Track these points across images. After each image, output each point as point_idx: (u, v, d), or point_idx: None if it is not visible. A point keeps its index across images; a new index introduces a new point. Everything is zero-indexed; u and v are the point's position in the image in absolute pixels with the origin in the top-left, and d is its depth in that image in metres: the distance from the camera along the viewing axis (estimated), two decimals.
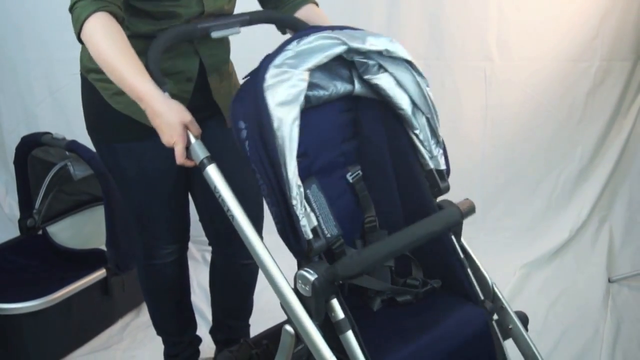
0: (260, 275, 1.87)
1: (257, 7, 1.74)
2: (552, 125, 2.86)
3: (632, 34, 2.72)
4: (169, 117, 1.34)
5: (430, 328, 1.37)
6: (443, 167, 1.50)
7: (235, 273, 1.96)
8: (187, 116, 1.36)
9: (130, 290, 2.50)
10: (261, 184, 1.27)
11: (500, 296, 1.48)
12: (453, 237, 1.48)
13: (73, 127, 2.87)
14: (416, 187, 1.49)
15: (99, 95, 1.61)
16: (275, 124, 1.22)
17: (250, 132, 1.26)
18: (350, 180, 1.55)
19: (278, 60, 1.28)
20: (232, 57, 1.77)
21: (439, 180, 1.49)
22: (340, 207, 1.53)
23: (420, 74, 1.47)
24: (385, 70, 1.44)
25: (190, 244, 1.96)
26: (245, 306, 2.06)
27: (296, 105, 1.26)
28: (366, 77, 1.44)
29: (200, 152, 1.35)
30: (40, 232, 2.66)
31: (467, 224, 1.56)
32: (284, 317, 1.32)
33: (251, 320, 2.09)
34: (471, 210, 1.41)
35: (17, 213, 2.67)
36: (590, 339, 2.31)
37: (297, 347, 1.30)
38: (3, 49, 3.14)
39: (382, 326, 1.40)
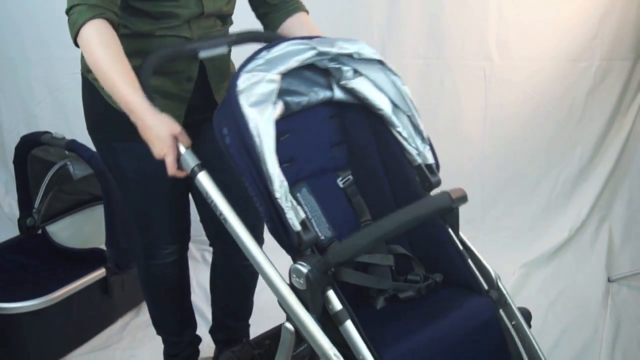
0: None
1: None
2: (552, 125, 2.86)
3: (631, 34, 2.72)
4: (159, 130, 1.37)
5: (436, 320, 1.37)
6: (431, 161, 1.52)
7: (236, 273, 1.96)
8: (176, 128, 1.39)
9: (130, 289, 2.50)
10: (248, 186, 1.30)
11: (505, 292, 1.47)
12: (450, 231, 1.48)
13: (73, 126, 2.86)
14: (407, 184, 1.51)
15: (99, 95, 1.62)
16: (251, 124, 1.27)
17: (231, 137, 1.30)
18: (341, 185, 1.58)
19: (249, 67, 1.33)
20: (233, 57, 1.77)
21: (429, 174, 1.51)
22: (335, 211, 1.55)
23: (393, 73, 1.50)
24: (360, 74, 1.48)
25: (190, 244, 1.96)
26: (245, 306, 2.06)
27: (268, 104, 1.31)
28: (342, 82, 1.48)
29: (190, 161, 1.38)
30: (39, 232, 2.66)
31: (467, 223, 1.57)
32: (283, 316, 1.32)
33: (251, 320, 2.09)
34: (463, 198, 1.40)
35: (16, 212, 2.67)
36: (590, 338, 2.31)
37: (299, 347, 1.30)
38: (3, 48, 3.14)
39: (387, 322, 1.40)
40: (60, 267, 2.53)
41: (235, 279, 1.98)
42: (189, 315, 2.05)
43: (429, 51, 2.80)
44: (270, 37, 1.63)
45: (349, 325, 1.25)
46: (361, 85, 1.48)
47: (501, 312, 1.45)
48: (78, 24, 1.38)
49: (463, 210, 1.53)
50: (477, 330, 1.39)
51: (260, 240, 1.73)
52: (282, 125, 1.40)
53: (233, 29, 1.77)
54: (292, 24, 1.68)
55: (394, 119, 1.49)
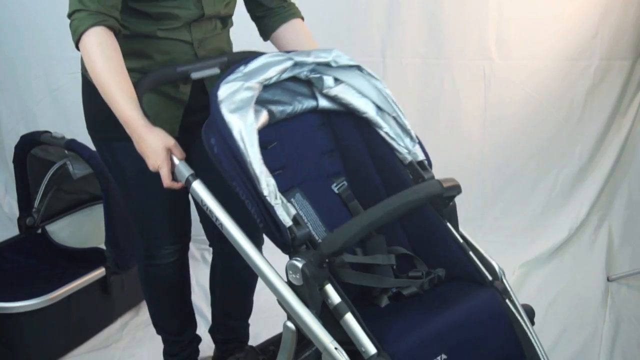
0: None
1: None
2: (551, 124, 2.86)
3: (631, 33, 2.72)
4: (153, 143, 1.41)
5: (442, 313, 1.36)
6: (422, 157, 1.54)
7: (236, 273, 1.96)
8: (170, 141, 1.43)
9: (130, 289, 2.50)
10: (238, 190, 1.32)
11: (509, 288, 1.46)
12: (449, 225, 1.49)
13: (72, 125, 2.86)
14: (401, 182, 1.52)
15: (98, 94, 1.60)
16: (234, 130, 1.30)
17: (218, 146, 1.33)
18: (337, 191, 1.60)
19: (228, 79, 1.37)
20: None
21: (421, 171, 1.52)
22: (333, 215, 1.57)
23: (373, 77, 1.53)
24: (341, 82, 1.51)
25: (190, 243, 1.96)
26: (244, 306, 2.06)
27: (248, 109, 1.34)
28: (324, 91, 1.51)
29: (184, 171, 1.42)
30: (39, 231, 2.66)
31: (466, 223, 1.57)
32: (283, 316, 1.32)
33: (250, 320, 2.09)
34: (455, 187, 1.41)
35: (16, 212, 2.67)
36: (589, 337, 2.31)
37: (305, 352, 1.31)
38: (2, 48, 3.14)
39: (392, 319, 1.40)
40: (60, 266, 2.53)
41: (234, 278, 1.98)
42: (189, 314, 2.05)
43: (428, 51, 2.80)
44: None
45: (349, 317, 1.26)
46: (343, 93, 1.51)
47: (507, 301, 1.44)
48: (79, 32, 1.41)
49: (462, 209, 1.54)
50: (485, 320, 1.39)
51: (260, 240, 1.74)
52: (269, 133, 1.46)
53: (233, 30, 1.77)
54: (286, 31, 1.71)
55: (379, 119, 1.52)
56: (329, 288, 1.27)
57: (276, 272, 1.32)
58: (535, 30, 2.73)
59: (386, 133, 1.52)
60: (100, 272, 2.38)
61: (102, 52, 1.41)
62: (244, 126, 1.31)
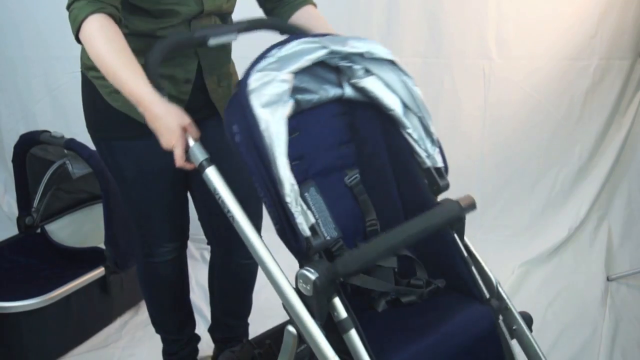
0: (259, 274, 1.87)
1: (256, 7, 1.74)
2: (551, 124, 2.86)
3: (630, 33, 2.72)
4: (168, 121, 1.35)
5: (436, 327, 1.36)
6: (441, 164, 1.49)
7: (234, 272, 1.96)
8: (185, 119, 1.37)
9: (129, 288, 2.50)
10: (257, 186, 1.28)
11: (505, 296, 1.47)
12: (456, 236, 1.47)
13: (72, 125, 2.87)
14: (415, 186, 1.49)
15: (98, 94, 1.61)
16: (263, 125, 1.24)
17: (242, 135, 1.28)
18: (348, 184, 1.56)
19: (260, 65, 1.31)
20: (234, 56, 1.77)
21: (437, 178, 1.48)
22: (341, 210, 1.53)
23: (405, 73, 1.47)
24: (371, 73, 1.45)
25: (189, 243, 1.96)
26: (243, 305, 2.06)
27: (281, 105, 1.28)
28: (353, 81, 1.46)
29: (199, 154, 1.36)
30: (38, 231, 2.66)
31: (466, 222, 1.56)
32: (282, 315, 1.32)
33: (250, 319, 2.10)
34: (472, 205, 1.40)
35: (15, 211, 2.67)
36: (589, 337, 2.31)
37: (300, 347, 1.29)
38: (2, 47, 3.14)
39: (387, 326, 1.39)
40: (59, 266, 2.53)
41: (233, 277, 1.98)
42: (188, 313, 2.05)
43: (428, 50, 2.80)
44: (280, 25, 1.62)
45: (353, 334, 1.24)
46: (372, 85, 1.45)
47: (500, 321, 1.45)
48: (79, 19, 1.37)
49: None
50: (476, 339, 1.39)
51: (259, 227, 1.74)
52: (293, 123, 1.37)
53: None
54: (299, 18, 1.66)
55: (404, 120, 1.47)
56: (337, 301, 1.25)
57: (285, 277, 1.29)
58: (535, 29, 2.73)
59: (409, 134, 1.47)
60: (99, 271, 2.38)
61: (104, 34, 1.37)
62: (274, 123, 1.25)
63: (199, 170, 1.36)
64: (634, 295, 2.56)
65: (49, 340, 2.27)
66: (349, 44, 1.41)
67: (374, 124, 1.52)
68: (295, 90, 1.38)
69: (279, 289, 1.29)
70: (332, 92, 1.48)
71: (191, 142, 1.37)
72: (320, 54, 1.37)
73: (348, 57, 1.42)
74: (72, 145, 2.31)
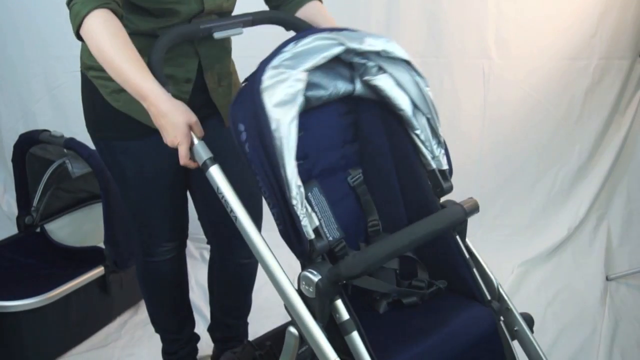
0: (259, 273, 1.87)
1: (258, 5, 1.74)
2: (550, 123, 2.86)
3: (630, 32, 2.72)
4: (174, 117, 1.34)
5: (438, 329, 1.36)
6: (445, 167, 1.49)
7: (234, 272, 1.96)
8: (192, 117, 1.36)
9: (129, 288, 2.50)
10: (262, 186, 1.26)
11: (506, 297, 1.47)
12: (458, 238, 1.47)
13: (71, 124, 2.86)
14: (418, 187, 1.49)
15: (98, 93, 1.61)
16: (273, 125, 1.22)
17: (249, 134, 1.25)
18: (352, 184, 1.55)
19: (275, 61, 1.27)
20: (234, 56, 1.77)
21: (441, 180, 1.47)
22: (343, 210, 1.53)
23: (419, 74, 1.46)
24: (385, 71, 1.44)
25: (188, 242, 1.96)
26: (243, 304, 2.06)
27: (294, 105, 1.25)
28: (365, 78, 1.44)
29: (203, 153, 1.35)
30: (38, 230, 2.66)
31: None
32: (282, 315, 1.32)
33: (249, 319, 2.10)
34: (475, 209, 1.39)
35: (15, 211, 2.67)
36: (588, 337, 2.31)
37: (301, 348, 1.29)
38: (2, 46, 3.14)
39: (389, 328, 1.39)
40: (59, 265, 2.53)
41: (233, 277, 1.98)
42: (187, 312, 2.05)
43: (427, 50, 2.80)
44: (286, 20, 1.61)
45: (355, 336, 1.24)
46: (384, 83, 1.44)
47: (502, 323, 1.45)
48: (81, 15, 1.35)
49: None
50: (477, 341, 1.39)
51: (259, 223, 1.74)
52: (300, 122, 1.33)
53: None
54: (305, 13, 1.64)
55: (413, 120, 1.45)
56: (339, 303, 1.25)
57: (288, 278, 1.29)
58: (535, 29, 2.73)
59: (417, 135, 1.46)
60: (99, 271, 2.38)
61: (107, 29, 1.35)
62: (285, 124, 1.22)
63: (202, 168, 1.35)
64: (633, 295, 2.56)
65: (48, 340, 2.27)
66: (366, 41, 1.39)
67: (379, 124, 1.51)
68: (307, 87, 1.34)
69: (281, 290, 1.28)
70: (343, 88, 1.45)
71: (195, 140, 1.36)
72: (336, 50, 1.34)
73: (363, 54, 1.40)
74: (72, 144, 2.31)
